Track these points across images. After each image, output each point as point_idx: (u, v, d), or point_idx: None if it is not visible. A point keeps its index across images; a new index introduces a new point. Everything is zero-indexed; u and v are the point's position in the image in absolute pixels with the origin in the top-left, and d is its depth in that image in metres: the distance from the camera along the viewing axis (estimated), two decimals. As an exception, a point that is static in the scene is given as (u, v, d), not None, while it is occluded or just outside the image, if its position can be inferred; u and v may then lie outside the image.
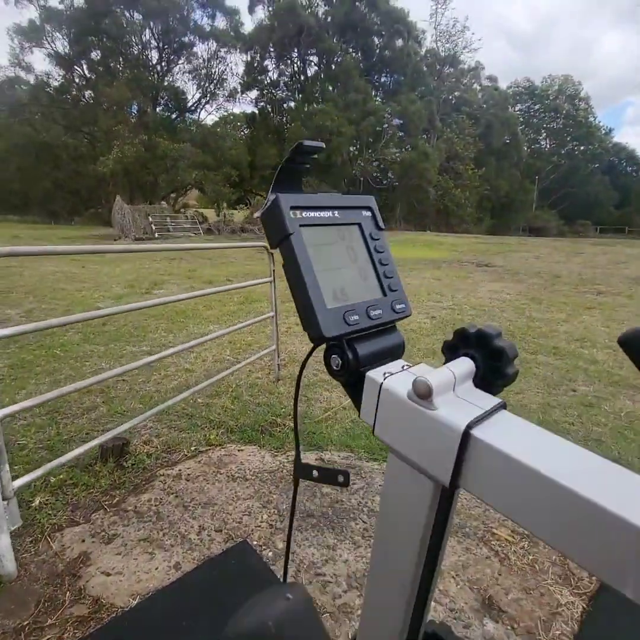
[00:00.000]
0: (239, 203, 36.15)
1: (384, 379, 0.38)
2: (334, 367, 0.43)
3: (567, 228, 43.10)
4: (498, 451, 0.29)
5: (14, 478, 2.11)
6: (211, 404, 3.11)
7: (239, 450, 2.49)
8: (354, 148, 35.48)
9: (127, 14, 33.93)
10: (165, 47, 36.37)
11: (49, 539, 1.79)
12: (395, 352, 0.46)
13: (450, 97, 41.80)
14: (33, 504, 1.99)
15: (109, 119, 30.55)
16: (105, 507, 1.98)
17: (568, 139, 49.58)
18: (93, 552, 1.71)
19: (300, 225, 0.41)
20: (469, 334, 0.39)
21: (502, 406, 0.35)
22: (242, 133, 36.81)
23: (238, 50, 37.28)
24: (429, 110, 35.82)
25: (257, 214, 0.47)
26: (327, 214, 0.45)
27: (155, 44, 36.17)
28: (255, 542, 1.76)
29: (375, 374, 0.40)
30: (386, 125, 35.37)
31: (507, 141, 42.45)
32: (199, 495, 2.05)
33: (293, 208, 0.41)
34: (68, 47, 33.75)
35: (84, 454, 1.92)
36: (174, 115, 38.17)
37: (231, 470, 2.28)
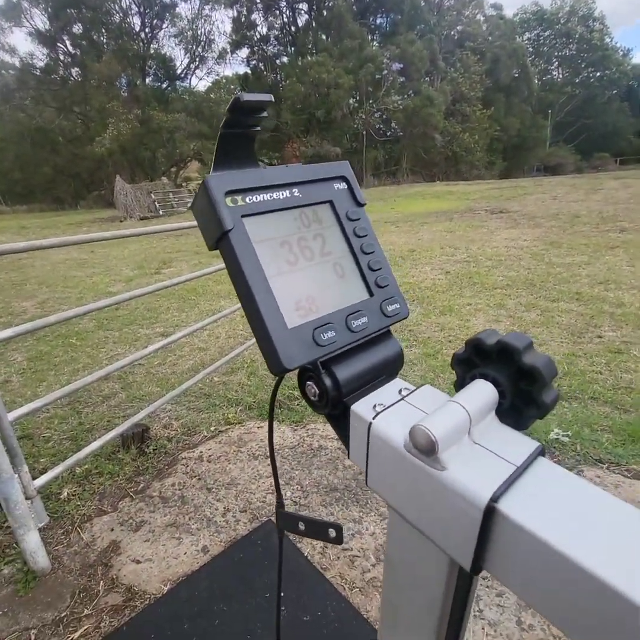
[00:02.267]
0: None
1: (374, 417, 0.29)
2: (312, 397, 0.34)
3: (584, 163, 40.94)
4: (533, 536, 0.20)
5: (43, 471, 2.16)
6: (228, 381, 3.09)
7: (258, 427, 2.48)
8: (354, 100, 33.85)
9: (104, -21, 32.26)
10: (147, 11, 34.70)
11: (80, 530, 1.82)
12: (390, 368, 0.35)
13: (452, 32, 39.08)
14: (61, 496, 2.02)
15: (101, 95, 29.74)
16: (131, 494, 2.00)
17: (582, 65, 46.15)
18: (122, 541, 1.73)
19: (243, 216, 0.30)
20: (486, 348, 0.27)
21: (540, 453, 0.24)
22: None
23: (223, 5, 35.34)
24: (430, 50, 33.63)
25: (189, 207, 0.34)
26: (282, 193, 0.33)
27: (136, 9, 34.53)
28: (280, 520, 1.75)
29: (362, 408, 0.30)
30: (385, 71, 33.46)
31: (516, 75, 39.79)
32: (222, 476, 2.05)
33: (230, 193, 0.30)
34: (48, 23, 32.49)
35: (105, 445, 1.92)
36: (164, 85, 36.87)
37: (252, 448, 2.27)
